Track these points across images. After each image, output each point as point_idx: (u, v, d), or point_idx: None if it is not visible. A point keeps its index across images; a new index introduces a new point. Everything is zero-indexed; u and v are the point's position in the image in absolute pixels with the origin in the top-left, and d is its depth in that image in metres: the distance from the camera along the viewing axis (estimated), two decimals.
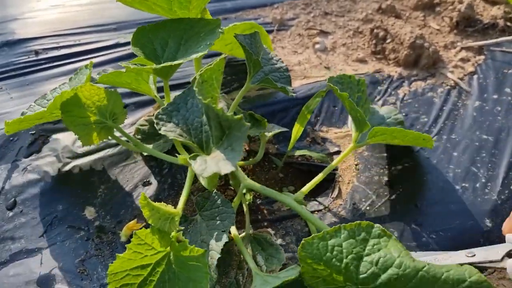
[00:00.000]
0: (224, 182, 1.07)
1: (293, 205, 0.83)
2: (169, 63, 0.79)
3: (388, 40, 1.39)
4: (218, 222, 0.80)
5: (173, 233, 0.70)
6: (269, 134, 1.04)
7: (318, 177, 0.94)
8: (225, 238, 0.76)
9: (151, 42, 0.93)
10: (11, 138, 1.15)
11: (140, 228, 0.95)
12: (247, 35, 0.96)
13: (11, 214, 1.01)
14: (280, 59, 1.06)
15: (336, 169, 1.11)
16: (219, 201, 0.82)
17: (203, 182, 0.87)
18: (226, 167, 0.57)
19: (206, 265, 0.66)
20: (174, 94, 0.84)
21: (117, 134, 1.00)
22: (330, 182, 1.09)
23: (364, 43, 1.45)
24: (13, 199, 1.03)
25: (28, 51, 1.45)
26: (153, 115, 1.17)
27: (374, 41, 1.41)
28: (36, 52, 1.44)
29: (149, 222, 0.70)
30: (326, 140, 1.18)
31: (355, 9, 1.60)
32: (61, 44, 1.46)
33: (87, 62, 1.34)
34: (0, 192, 1.05)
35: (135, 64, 0.87)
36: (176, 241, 0.70)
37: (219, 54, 1.29)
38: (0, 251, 0.95)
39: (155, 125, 0.71)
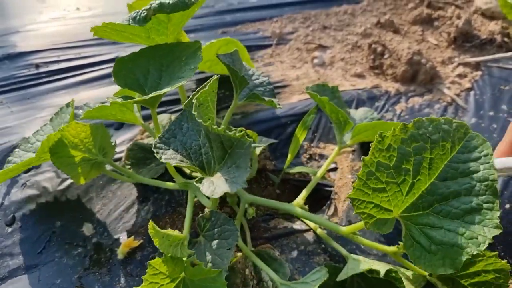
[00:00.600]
0: (220, 200, 1.07)
1: (297, 212, 0.86)
2: (157, 93, 0.79)
3: (386, 56, 1.40)
4: (222, 241, 0.81)
5: (185, 258, 0.72)
6: (260, 148, 1.06)
7: (310, 184, 0.98)
8: (230, 256, 0.78)
9: (132, 72, 0.93)
10: (11, 153, 1.16)
11: (138, 245, 0.98)
12: (227, 54, 0.97)
13: (10, 230, 1.02)
14: (261, 73, 1.07)
15: (332, 186, 1.12)
16: (220, 220, 0.83)
17: (205, 202, 0.88)
18: (234, 186, 0.59)
19: (225, 284, 0.67)
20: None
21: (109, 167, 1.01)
22: (326, 199, 1.10)
23: (363, 58, 1.46)
24: (12, 215, 1.05)
25: (29, 64, 1.46)
26: (140, 139, 1.18)
27: (372, 56, 1.42)
28: (37, 66, 1.45)
29: (161, 250, 0.70)
30: (323, 156, 1.18)
31: (354, 23, 1.61)
32: (61, 58, 1.48)
33: (87, 75, 1.36)
34: None
35: (121, 98, 0.87)
36: (190, 265, 0.71)
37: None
38: None
39: (154, 152, 0.72)
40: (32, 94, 1.36)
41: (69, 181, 1.10)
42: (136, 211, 1.05)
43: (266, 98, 0.97)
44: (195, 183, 0.65)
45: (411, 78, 1.36)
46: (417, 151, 0.67)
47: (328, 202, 1.09)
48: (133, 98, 0.85)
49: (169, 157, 0.70)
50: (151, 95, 0.78)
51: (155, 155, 0.71)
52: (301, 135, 1.05)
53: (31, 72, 1.43)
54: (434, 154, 0.67)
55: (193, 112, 0.69)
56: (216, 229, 0.82)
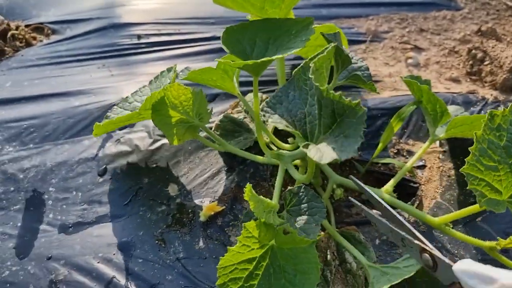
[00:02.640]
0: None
1: (385, 197, 0.84)
2: (267, 58, 0.80)
3: (486, 62, 1.34)
4: (309, 217, 0.80)
5: (277, 222, 0.72)
6: None
7: (399, 174, 0.95)
8: (317, 232, 0.77)
9: (239, 41, 0.94)
10: (109, 111, 1.22)
11: (220, 211, 0.99)
12: (331, 33, 0.97)
13: (101, 180, 1.07)
14: (360, 59, 1.06)
15: (419, 183, 1.09)
16: (308, 196, 0.82)
17: (296, 176, 0.87)
18: (344, 154, 0.58)
19: (316, 256, 0.66)
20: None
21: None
22: (411, 196, 1.06)
23: (459, 63, 1.41)
24: (104, 166, 1.10)
25: (131, 34, 1.54)
26: (230, 113, 1.20)
27: (470, 62, 1.37)
28: (139, 36, 1.53)
29: (255, 214, 0.71)
30: (411, 153, 1.15)
31: (453, 29, 1.56)
32: (162, 32, 1.54)
33: (185, 49, 1.41)
34: (93, 158, 1.11)
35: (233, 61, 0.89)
36: (281, 233, 0.72)
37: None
38: (88, 212, 1.01)
39: (268, 121, 0.72)
40: (131, 62, 1.43)
41: (160, 142, 1.14)
42: (221, 179, 1.07)
43: (368, 82, 0.96)
44: (302, 147, 0.65)
45: None
46: None
47: (414, 198, 1.05)
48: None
49: (276, 121, 0.71)
50: (264, 59, 0.79)
51: (262, 117, 0.71)
52: (395, 125, 1.02)
53: (132, 42, 1.51)
54: None
55: (310, 75, 0.69)
56: (303, 205, 0.82)
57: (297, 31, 0.91)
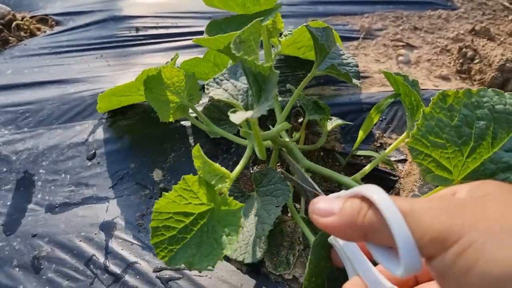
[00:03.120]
0: (281, 163, 1.10)
1: (350, 183, 0.86)
2: (233, 33, 0.85)
3: (476, 61, 1.35)
4: (273, 198, 0.84)
5: (218, 186, 0.74)
6: (332, 124, 1.07)
7: (372, 163, 0.96)
8: (277, 213, 0.80)
9: (223, 32, 0.99)
10: None
11: None
12: (319, 28, 0.99)
13: (89, 163, 1.11)
14: (351, 56, 1.09)
15: (399, 176, 1.10)
16: (275, 179, 0.86)
17: (258, 151, 0.91)
18: (254, 114, 0.62)
19: (240, 220, 0.68)
20: None
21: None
22: (390, 189, 1.08)
23: (450, 61, 1.42)
24: (93, 151, 1.14)
25: (130, 27, 1.58)
26: (217, 101, 1.23)
27: (461, 60, 1.38)
28: (137, 29, 1.57)
29: (199, 173, 0.74)
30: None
31: (447, 28, 1.57)
32: (160, 25, 1.58)
33: (181, 42, 1.44)
34: (84, 143, 1.16)
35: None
36: (219, 193, 0.74)
37: (291, 59, 1.33)
38: (74, 194, 1.05)
39: (210, 93, 0.75)
40: (129, 53, 1.48)
41: (149, 129, 1.18)
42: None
43: (343, 71, 0.98)
44: (229, 113, 0.68)
45: (501, 85, 1.30)
46: (480, 117, 0.67)
47: (391, 191, 1.07)
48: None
49: (218, 93, 0.73)
50: (231, 33, 0.84)
51: (205, 91, 0.75)
52: (375, 116, 1.04)
53: (131, 34, 1.55)
54: (498, 124, 0.67)
55: (231, 46, 0.72)
56: (269, 186, 0.86)
57: (265, 16, 0.95)
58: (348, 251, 0.55)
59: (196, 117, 1.08)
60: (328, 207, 0.48)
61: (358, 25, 1.57)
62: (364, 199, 0.44)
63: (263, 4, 1.03)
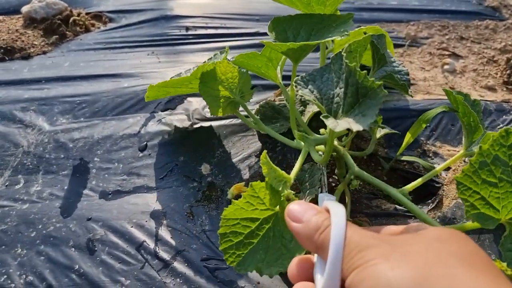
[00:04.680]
0: (330, 171, 1.12)
1: (398, 197, 0.86)
2: (307, 42, 0.87)
3: None
4: (312, 189, 0.87)
5: (285, 192, 0.76)
6: (381, 132, 1.08)
7: (424, 177, 0.96)
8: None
9: (284, 30, 1.02)
10: None
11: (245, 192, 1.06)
12: (374, 34, 1.01)
13: (141, 154, 1.17)
14: (401, 63, 1.10)
15: (442, 183, 1.11)
16: (313, 171, 0.90)
17: (315, 157, 0.93)
18: (356, 125, 0.62)
19: None
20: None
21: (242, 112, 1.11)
22: (433, 196, 1.10)
23: (497, 72, 1.42)
24: (145, 143, 1.19)
25: (180, 26, 1.64)
26: (273, 100, 1.27)
27: (508, 71, 1.38)
28: (187, 28, 1.63)
29: (266, 179, 0.76)
30: (437, 155, 1.18)
31: (494, 39, 1.56)
32: (209, 25, 1.64)
33: (229, 43, 1.49)
34: (136, 135, 1.21)
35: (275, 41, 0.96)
36: (286, 199, 0.77)
37: None
38: (126, 182, 1.10)
39: (298, 92, 0.77)
40: (179, 51, 1.53)
41: (198, 125, 1.22)
42: (250, 163, 1.13)
43: (401, 82, 1.00)
44: (321, 117, 0.69)
45: None
46: None
47: (434, 197, 1.08)
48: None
49: (305, 93, 0.75)
50: (300, 43, 0.86)
51: (294, 87, 0.77)
52: (419, 126, 1.05)
53: (181, 33, 1.61)
54: None
55: (342, 53, 0.74)
56: (311, 179, 0.89)
57: (337, 24, 0.96)
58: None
59: (247, 116, 1.12)
60: (299, 215, 0.55)
61: (403, 32, 1.58)
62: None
63: (328, 5, 1.06)
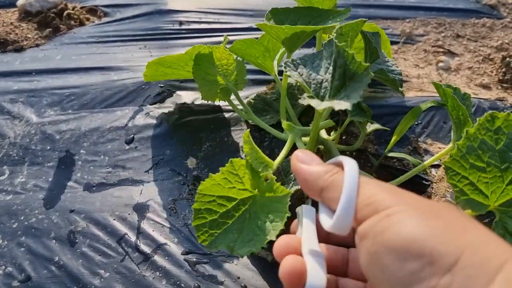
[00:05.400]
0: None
1: None
2: (302, 26, 0.86)
3: None
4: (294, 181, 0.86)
5: (263, 173, 0.75)
6: (370, 127, 1.07)
7: (412, 171, 0.95)
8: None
9: (281, 21, 1.01)
10: (143, 87, 1.31)
11: None
12: (369, 32, 1.00)
13: (127, 147, 1.16)
14: (395, 63, 1.09)
15: (431, 181, 1.10)
16: None
17: (300, 146, 0.91)
18: (339, 105, 0.60)
19: (287, 206, 0.68)
20: None
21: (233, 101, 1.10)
22: (422, 193, 1.08)
23: (492, 70, 1.40)
24: (132, 136, 1.18)
25: (174, 20, 1.63)
26: (265, 93, 1.26)
27: (503, 69, 1.36)
28: (180, 23, 1.62)
29: (247, 158, 0.74)
30: (428, 152, 1.16)
31: (491, 37, 1.54)
32: (202, 20, 1.63)
33: (222, 38, 1.48)
34: (123, 128, 1.20)
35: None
36: (264, 179, 0.75)
37: None
38: (111, 175, 1.09)
39: (287, 73, 0.75)
40: (171, 45, 1.52)
41: (186, 118, 1.21)
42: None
43: (391, 77, 0.98)
44: (306, 96, 0.68)
45: None
46: None
47: (423, 195, 1.07)
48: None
49: (294, 75, 0.73)
50: (298, 26, 0.85)
51: (283, 69, 0.75)
52: (411, 119, 1.04)
53: (174, 27, 1.60)
54: None
55: (333, 34, 0.73)
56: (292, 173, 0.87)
57: (333, 17, 0.95)
58: (305, 218, 0.59)
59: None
60: (309, 158, 0.55)
61: (399, 29, 1.56)
62: (340, 166, 0.51)
63: (326, 1, 1.05)
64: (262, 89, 1.32)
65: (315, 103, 0.65)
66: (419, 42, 1.52)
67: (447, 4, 1.70)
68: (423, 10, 1.66)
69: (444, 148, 1.17)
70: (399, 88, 1.01)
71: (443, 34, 1.55)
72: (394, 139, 1.07)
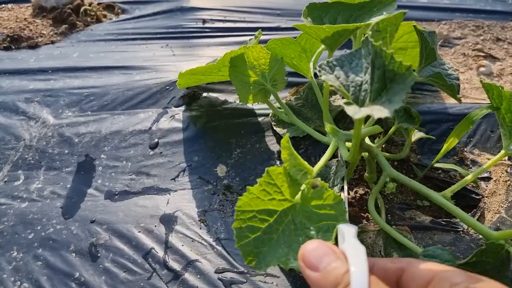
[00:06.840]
0: (358, 177, 1.02)
1: (442, 201, 0.77)
2: (344, 25, 0.77)
3: None
4: (334, 187, 0.79)
5: (306, 181, 0.67)
6: (416, 136, 0.99)
7: (465, 179, 0.86)
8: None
9: (320, 17, 0.94)
10: (167, 87, 1.23)
11: None
12: (425, 30, 0.92)
13: (151, 153, 1.07)
14: (451, 67, 1.00)
15: (482, 195, 1.01)
16: (337, 167, 0.81)
17: (343, 153, 0.84)
18: (380, 112, 0.53)
19: (344, 213, 0.62)
20: None
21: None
22: (471, 208, 0.99)
23: None
24: (156, 140, 1.10)
25: (197, 18, 1.56)
26: (289, 100, 1.17)
27: None
28: (204, 21, 1.54)
29: (285, 165, 0.67)
30: (476, 163, 1.07)
31: None
32: (227, 18, 1.55)
33: (248, 37, 1.40)
34: (147, 131, 1.12)
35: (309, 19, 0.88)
36: (310, 187, 0.67)
37: None
38: (135, 182, 1.01)
39: (322, 77, 0.68)
40: (194, 44, 1.44)
41: (215, 122, 1.13)
42: (270, 165, 1.04)
43: (449, 82, 0.90)
44: (343, 104, 0.60)
45: None
46: None
47: (475, 210, 0.98)
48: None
49: (330, 79, 0.66)
50: (338, 25, 0.77)
51: (317, 73, 0.67)
52: (464, 128, 0.95)
53: (197, 26, 1.52)
54: None
55: (368, 32, 0.65)
56: (333, 176, 0.81)
57: (378, 9, 0.87)
58: (353, 238, 0.56)
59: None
60: (315, 260, 0.51)
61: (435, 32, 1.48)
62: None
63: None
64: (285, 94, 1.23)
65: (352, 111, 0.57)
66: (457, 45, 1.43)
67: (484, 6, 1.61)
68: (459, 12, 1.57)
69: (493, 158, 1.09)
70: (457, 95, 0.92)
71: (482, 37, 1.46)
72: (444, 148, 0.98)
